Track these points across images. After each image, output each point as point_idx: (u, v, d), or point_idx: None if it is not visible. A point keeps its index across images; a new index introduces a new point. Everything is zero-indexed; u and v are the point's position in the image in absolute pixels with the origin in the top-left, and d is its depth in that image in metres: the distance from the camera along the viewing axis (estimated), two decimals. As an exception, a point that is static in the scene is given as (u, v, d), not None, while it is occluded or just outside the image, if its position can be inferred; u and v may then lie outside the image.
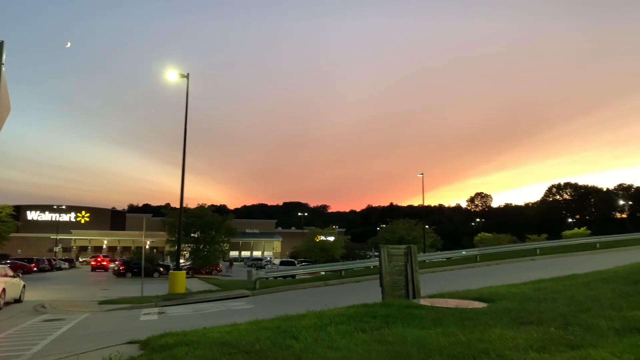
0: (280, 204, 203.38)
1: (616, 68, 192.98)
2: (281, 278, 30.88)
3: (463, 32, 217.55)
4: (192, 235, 48.03)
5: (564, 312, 7.84)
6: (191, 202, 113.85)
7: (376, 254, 31.26)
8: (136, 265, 45.04)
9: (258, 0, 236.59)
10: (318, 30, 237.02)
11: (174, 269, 26.13)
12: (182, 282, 24.15)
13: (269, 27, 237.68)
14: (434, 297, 11.83)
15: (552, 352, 5.24)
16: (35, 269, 51.37)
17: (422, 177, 65.10)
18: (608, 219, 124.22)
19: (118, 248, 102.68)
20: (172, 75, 25.82)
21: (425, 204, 73.08)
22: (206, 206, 52.83)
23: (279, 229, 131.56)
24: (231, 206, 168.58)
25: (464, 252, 33.21)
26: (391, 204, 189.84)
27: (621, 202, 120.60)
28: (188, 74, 26.00)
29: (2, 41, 4.58)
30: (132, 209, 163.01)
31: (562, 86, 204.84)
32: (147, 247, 63.93)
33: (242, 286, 25.33)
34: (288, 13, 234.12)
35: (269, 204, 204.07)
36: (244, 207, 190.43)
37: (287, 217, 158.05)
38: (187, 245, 47.57)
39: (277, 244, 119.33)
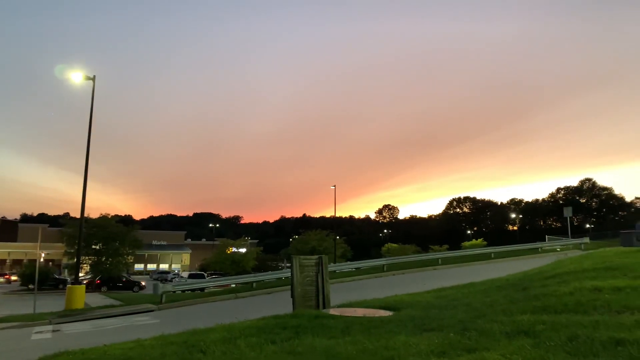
0: (191, 214, 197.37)
1: (510, 94, 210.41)
2: (190, 291, 29.99)
3: (376, 47, 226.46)
4: (94, 247, 45.24)
5: (462, 318, 8.35)
6: (93, 212, 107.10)
7: (288, 265, 31.36)
8: (112, 279, 43.08)
9: (168, 3, 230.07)
10: (232, 38, 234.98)
11: (73, 283, 24.40)
12: (80, 297, 22.56)
13: (180, 31, 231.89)
14: (344, 306, 12.09)
15: (451, 356, 5.57)
16: None
17: (335, 189, 66.49)
18: (502, 231, 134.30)
19: (8, 261, 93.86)
20: (76, 77, 24.27)
21: (337, 215, 74.85)
22: (110, 216, 50.16)
23: (189, 240, 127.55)
24: (137, 216, 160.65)
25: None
26: (304, 215, 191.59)
27: (513, 216, 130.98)
28: (94, 76, 24.63)
29: None
30: (26, 218, 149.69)
31: (467, 106, 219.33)
32: (42, 259, 59.09)
33: (147, 300, 24.22)
34: (199, 17, 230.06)
35: (179, 214, 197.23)
36: (151, 217, 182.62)
37: (197, 228, 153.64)
38: (87, 257, 44.72)
39: (186, 256, 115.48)
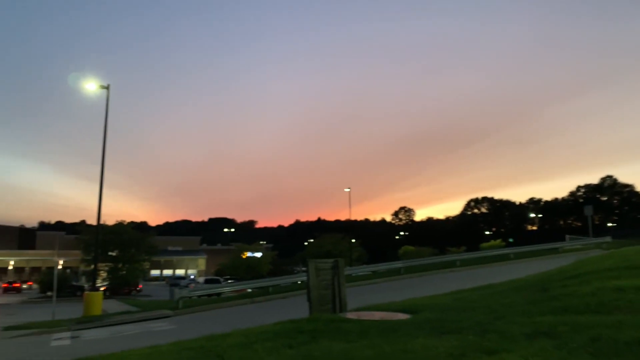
0: (205, 219, 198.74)
1: (529, 87, 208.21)
2: (206, 297, 30.09)
3: (387, 45, 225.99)
4: (110, 253, 45.77)
5: (481, 320, 8.20)
6: (109, 219, 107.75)
7: (303, 269, 31.31)
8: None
9: (179, 10, 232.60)
10: (244, 43, 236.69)
11: (90, 290, 24.67)
12: (98, 303, 22.82)
13: (192, 39, 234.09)
14: (360, 310, 11.97)
15: (471, 359, 5.45)
16: None
17: (349, 191, 66.39)
18: (520, 231, 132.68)
19: (26, 269, 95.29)
20: (91, 86, 24.63)
21: (352, 218, 74.36)
22: (125, 223, 50.77)
23: (204, 245, 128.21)
24: (153, 223, 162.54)
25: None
26: (319, 218, 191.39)
27: (532, 215, 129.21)
28: (109, 85, 24.93)
29: None
30: (44, 226, 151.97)
31: (480, 103, 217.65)
32: (59, 267, 59.87)
33: (163, 306, 24.35)
34: (209, 24, 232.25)
35: (193, 219, 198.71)
36: (167, 223, 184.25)
37: (212, 233, 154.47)
38: (104, 264, 45.22)
39: (201, 261, 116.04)
